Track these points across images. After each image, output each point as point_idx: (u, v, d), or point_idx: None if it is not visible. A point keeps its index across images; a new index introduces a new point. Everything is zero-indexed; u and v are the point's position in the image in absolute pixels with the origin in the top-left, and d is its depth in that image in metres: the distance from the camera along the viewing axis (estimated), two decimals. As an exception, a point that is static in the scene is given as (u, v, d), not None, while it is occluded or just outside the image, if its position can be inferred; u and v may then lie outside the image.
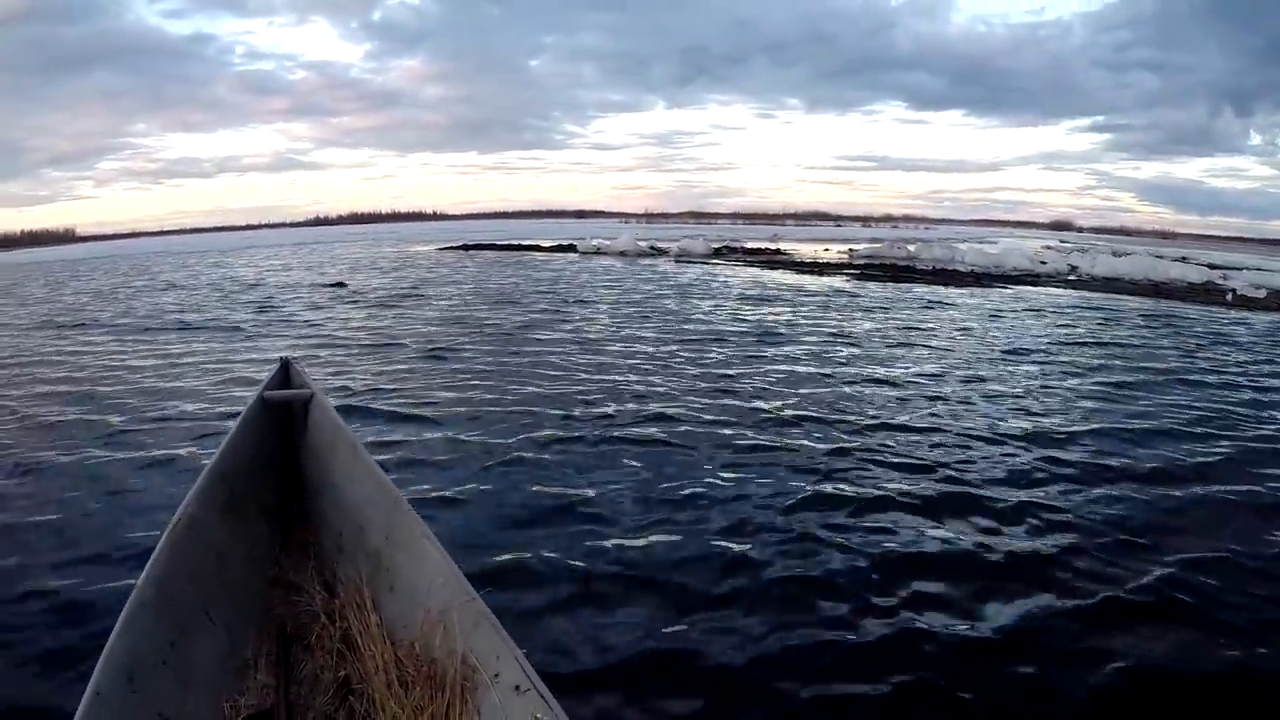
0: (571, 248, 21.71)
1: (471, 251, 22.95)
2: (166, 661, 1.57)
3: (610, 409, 4.26)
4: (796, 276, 14.15)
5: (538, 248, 23.05)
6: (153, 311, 9.75)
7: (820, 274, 14.60)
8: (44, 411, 4.50)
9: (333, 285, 12.61)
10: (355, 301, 10.33)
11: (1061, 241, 41.58)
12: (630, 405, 4.36)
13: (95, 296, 12.52)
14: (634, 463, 3.38)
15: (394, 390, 4.81)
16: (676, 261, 17.62)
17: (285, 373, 2.58)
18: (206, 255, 28.13)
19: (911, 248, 21.39)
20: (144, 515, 2.85)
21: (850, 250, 21.49)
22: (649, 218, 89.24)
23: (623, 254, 18.87)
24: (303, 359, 3.20)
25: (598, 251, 19.45)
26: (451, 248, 24.94)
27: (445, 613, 1.57)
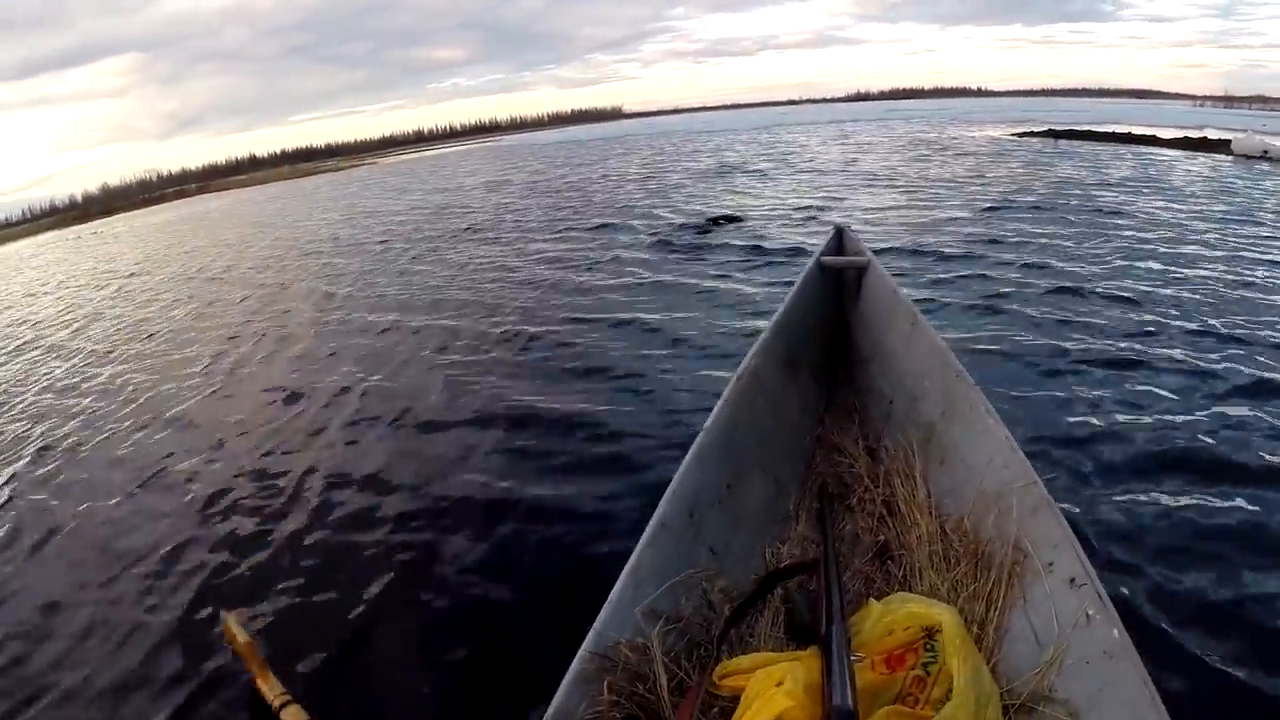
0: (1211, 144, 16.70)
1: (1061, 140, 19.69)
2: (721, 502, 1.69)
3: None
4: None
5: (1154, 139, 18.44)
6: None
7: None
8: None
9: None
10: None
11: None
12: None
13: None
14: None
15: None
16: None
17: (839, 239, 2.56)
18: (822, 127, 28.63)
19: None
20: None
21: None
22: (1227, 101, 63.84)
23: (1313, 161, 13.57)
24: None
25: (1264, 155, 14.47)
26: (1032, 133, 21.82)
27: (1002, 493, 1.47)
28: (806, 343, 2.35)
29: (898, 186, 11.05)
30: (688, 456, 1.67)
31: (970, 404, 1.78)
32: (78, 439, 4.22)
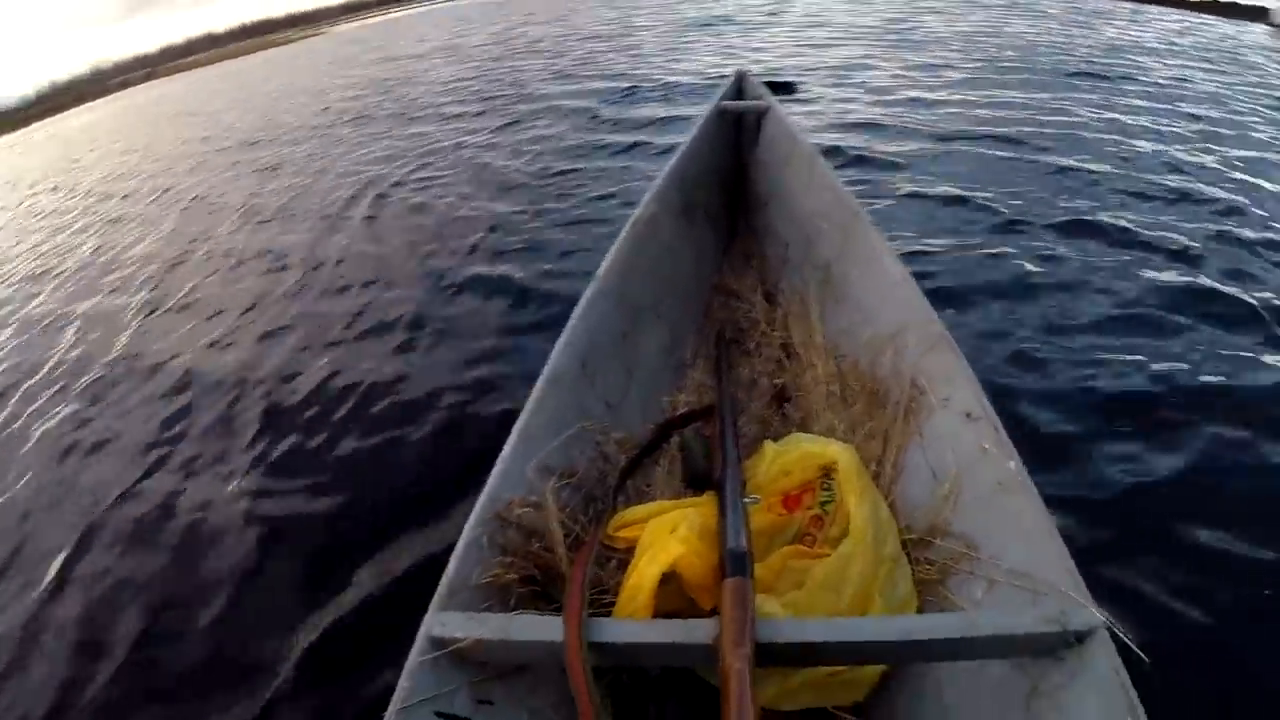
0: (1242, 9, 14.68)
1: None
2: (616, 351, 1.58)
3: None
4: None
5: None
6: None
7: None
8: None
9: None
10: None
11: None
12: None
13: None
14: None
15: None
16: None
17: (739, 85, 2.49)
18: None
19: None
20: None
21: None
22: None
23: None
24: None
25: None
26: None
27: (898, 331, 1.41)
28: (704, 189, 2.25)
29: (925, 48, 8.85)
30: (579, 305, 1.52)
31: (867, 242, 1.69)
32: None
